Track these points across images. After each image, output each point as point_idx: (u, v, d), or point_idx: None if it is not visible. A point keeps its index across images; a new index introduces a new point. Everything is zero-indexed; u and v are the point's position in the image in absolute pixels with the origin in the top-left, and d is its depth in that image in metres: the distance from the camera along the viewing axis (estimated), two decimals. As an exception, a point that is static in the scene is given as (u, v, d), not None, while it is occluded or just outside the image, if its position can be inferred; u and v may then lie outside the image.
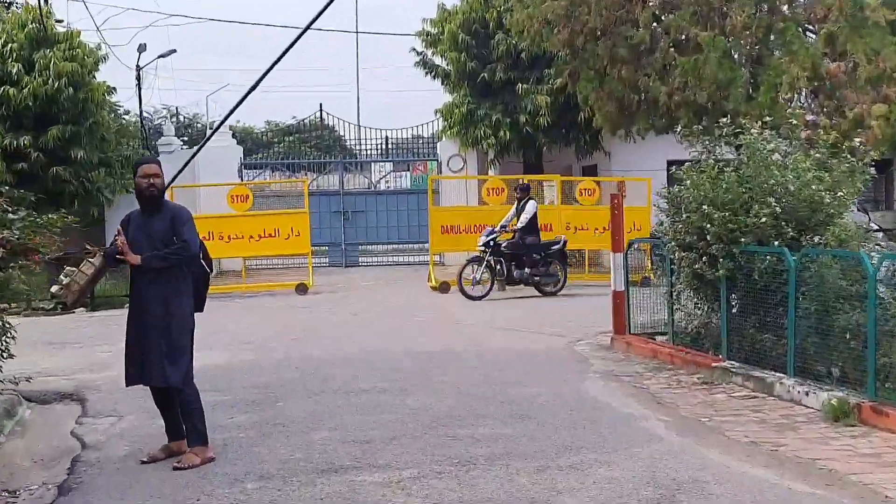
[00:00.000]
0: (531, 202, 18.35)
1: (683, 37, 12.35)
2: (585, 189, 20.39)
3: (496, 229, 18.22)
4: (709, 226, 9.85)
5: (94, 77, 21.45)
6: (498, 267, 18.13)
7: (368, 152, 28.87)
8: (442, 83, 23.71)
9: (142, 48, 29.40)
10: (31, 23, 20.41)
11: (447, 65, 23.10)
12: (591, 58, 13.22)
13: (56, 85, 19.74)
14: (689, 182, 10.32)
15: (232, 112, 18.91)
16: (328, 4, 18.62)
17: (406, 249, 26.92)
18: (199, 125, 42.98)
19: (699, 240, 10.18)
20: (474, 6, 22.32)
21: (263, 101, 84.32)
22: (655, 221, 23.45)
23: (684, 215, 10.30)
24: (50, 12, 21.69)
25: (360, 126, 30.00)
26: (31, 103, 19.63)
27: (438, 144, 27.31)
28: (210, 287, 19.08)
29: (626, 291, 12.12)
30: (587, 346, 12.30)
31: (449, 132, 23.58)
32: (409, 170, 29.91)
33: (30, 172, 19.81)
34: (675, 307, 11.18)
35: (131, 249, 6.98)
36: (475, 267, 18.25)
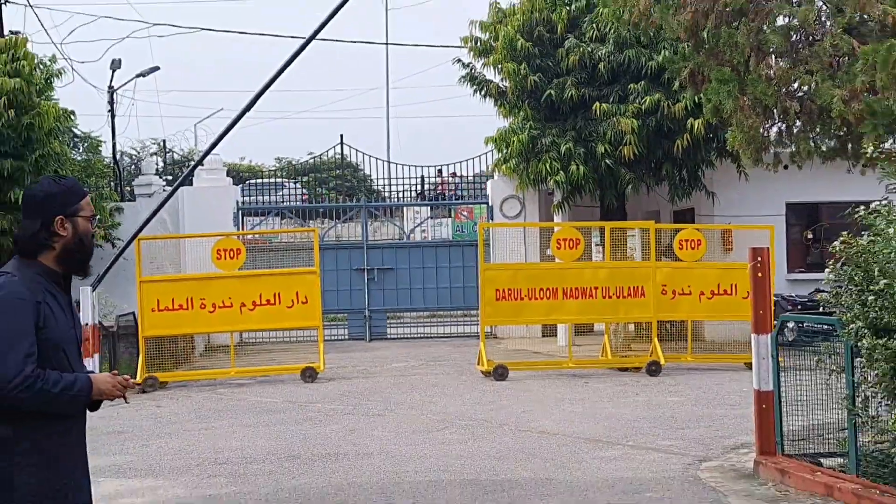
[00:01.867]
0: None
1: (859, 17, 9.73)
2: (687, 240, 17.84)
3: None
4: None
5: (47, 98, 19.32)
6: None
7: (400, 194, 26.64)
8: (495, 104, 21.43)
9: (115, 65, 27.48)
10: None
11: (502, 80, 20.82)
12: (728, 49, 10.53)
13: (-7, 108, 17.66)
14: (891, 231, 7.83)
15: (216, 143, 16.90)
16: (339, 7, 16.72)
17: (447, 318, 24.59)
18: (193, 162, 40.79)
19: (908, 321, 7.71)
20: (538, 5, 20.15)
21: (274, 132, 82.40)
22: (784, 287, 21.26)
23: (882, 282, 7.81)
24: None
25: (389, 162, 27.75)
26: (-41, 132, 17.56)
27: (489, 183, 25.09)
28: (190, 371, 16.89)
29: (778, 393, 9.57)
30: (718, 473, 9.76)
31: (504, 167, 21.25)
32: (451, 215, 27.55)
33: (-44, 219, 17.68)
34: (860, 420, 8.61)
35: (65, 360, 4.30)
36: None
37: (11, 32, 22.86)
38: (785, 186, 21.95)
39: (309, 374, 16.84)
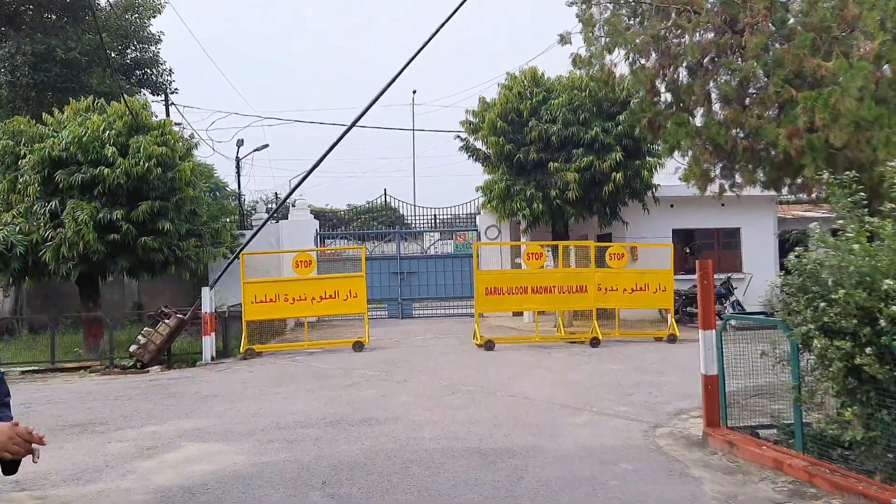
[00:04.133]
0: None
1: (796, 71, 7.04)
2: (615, 253, 15.08)
3: None
4: (894, 308, 4.67)
5: (188, 161, 16.55)
6: None
7: (421, 225, 24.00)
8: (482, 164, 18.72)
9: (240, 143, 24.88)
10: (129, 114, 15.74)
11: (487, 148, 18.11)
12: (686, 96, 7.90)
13: (146, 166, 15.01)
14: (856, 247, 5.10)
15: (290, 194, 15.52)
16: (368, 108, 14.25)
17: (451, 303, 21.94)
18: (292, 206, 38.50)
19: (862, 325, 4.98)
20: (510, 98, 17.41)
21: (346, 186, 79.52)
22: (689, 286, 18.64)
23: (840, 291, 5.09)
24: (146, 105, 17.06)
25: (415, 205, 25.12)
26: (122, 182, 14.89)
27: (477, 217, 22.54)
28: (279, 343, 14.30)
29: (721, 377, 6.81)
30: (671, 440, 7.01)
31: (489, 205, 18.52)
32: (453, 238, 25.00)
33: (122, 243, 15.00)
34: (806, 406, 5.86)
35: None
36: None
37: (175, 123, 20.55)
38: (671, 218, 19.68)
39: (358, 346, 14.10)
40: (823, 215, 23.08)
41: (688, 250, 19.91)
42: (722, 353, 6.72)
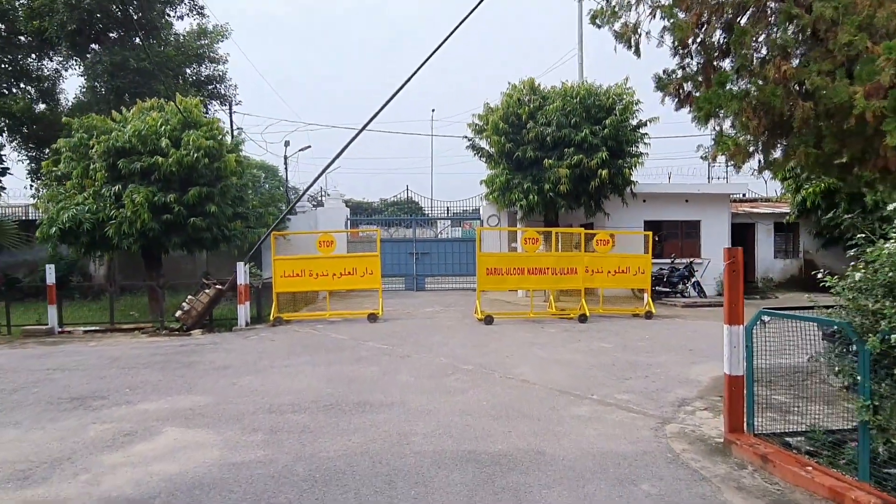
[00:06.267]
0: None
1: (871, 16, 4.52)
2: (601, 240, 12.71)
3: None
4: None
5: (235, 154, 14.31)
6: None
7: (436, 214, 21.79)
8: (485, 161, 16.29)
9: (286, 144, 22.68)
10: (181, 112, 13.53)
11: (490, 147, 15.69)
12: (736, 47, 5.38)
13: (196, 156, 12.86)
14: None
15: (312, 184, 13.79)
16: (376, 113, 11.74)
17: (458, 279, 19.73)
18: (328, 195, 36.28)
19: None
20: (511, 104, 15.00)
21: (379, 180, 76.74)
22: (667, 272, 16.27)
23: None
24: (198, 104, 14.77)
25: (431, 199, 22.96)
26: (175, 170, 12.78)
27: (480, 208, 20.23)
28: (307, 312, 11.48)
29: (749, 379, 4.51)
30: (687, 444, 4.74)
31: (491, 197, 16.14)
32: (461, 226, 22.86)
33: (174, 222, 12.90)
34: (875, 426, 3.55)
35: None
36: None
37: (238, 127, 18.27)
38: (644, 211, 17.21)
39: (372, 318, 11.95)
40: (767, 211, 20.70)
41: (656, 238, 17.52)
42: (752, 352, 4.42)
